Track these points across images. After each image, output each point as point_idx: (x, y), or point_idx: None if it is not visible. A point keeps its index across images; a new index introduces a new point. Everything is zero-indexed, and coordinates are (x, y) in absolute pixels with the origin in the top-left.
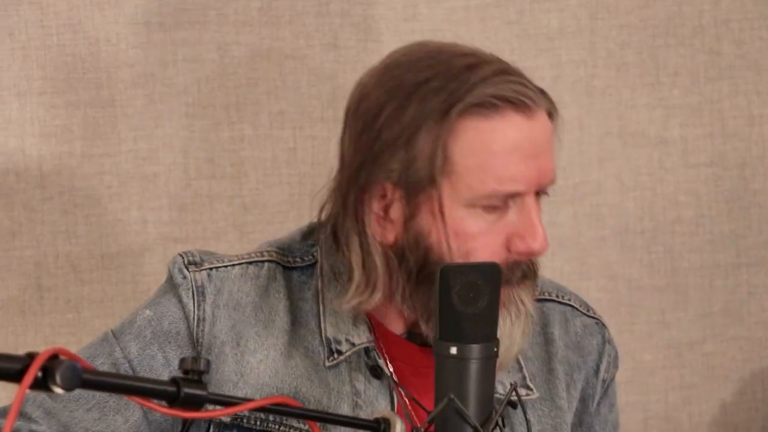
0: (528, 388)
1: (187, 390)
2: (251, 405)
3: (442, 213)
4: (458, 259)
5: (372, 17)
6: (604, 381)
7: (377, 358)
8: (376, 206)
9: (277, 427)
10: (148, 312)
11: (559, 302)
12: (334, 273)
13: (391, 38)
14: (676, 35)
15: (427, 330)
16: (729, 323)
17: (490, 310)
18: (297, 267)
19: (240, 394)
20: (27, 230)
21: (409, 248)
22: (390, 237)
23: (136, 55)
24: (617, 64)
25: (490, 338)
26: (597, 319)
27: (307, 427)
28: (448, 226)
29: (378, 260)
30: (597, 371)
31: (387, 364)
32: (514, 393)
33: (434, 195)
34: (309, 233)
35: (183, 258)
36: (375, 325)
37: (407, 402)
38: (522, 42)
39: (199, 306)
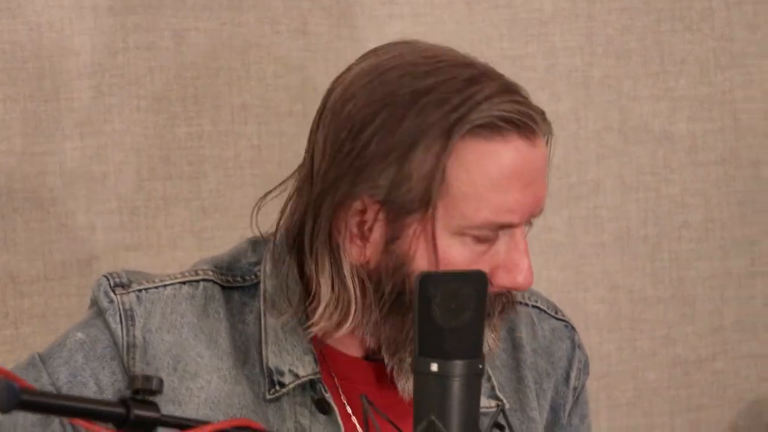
0: (497, 398)
1: (137, 412)
2: (210, 428)
3: (434, 239)
4: None
5: (345, 0)
6: (575, 389)
7: (324, 391)
8: (352, 223)
9: None
10: (79, 335)
11: (525, 304)
12: (279, 295)
13: (366, 24)
14: (683, 19)
15: (391, 361)
16: (742, 339)
17: (475, 322)
18: (238, 287)
19: None
20: None
21: (387, 273)
22: (365, 258)
23: (83, 43)
24: (617, 52)
25: (475, 354)
26: (566, 321)
27: None
28: (438, 254)
29: (350, 282)
30: (567, 379)
31: (340, 395)
32: (501, 414)
33: (427, 219)
34: (251, 249)
35: (108, 280)
36: (326, 352)
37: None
38: (512, 27)
39: (128, 331)
